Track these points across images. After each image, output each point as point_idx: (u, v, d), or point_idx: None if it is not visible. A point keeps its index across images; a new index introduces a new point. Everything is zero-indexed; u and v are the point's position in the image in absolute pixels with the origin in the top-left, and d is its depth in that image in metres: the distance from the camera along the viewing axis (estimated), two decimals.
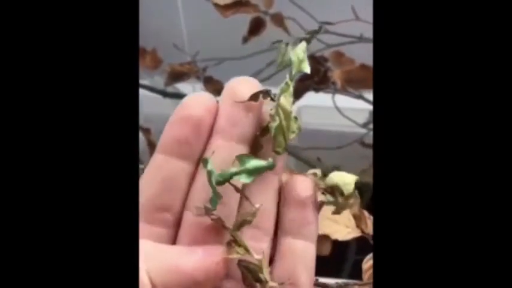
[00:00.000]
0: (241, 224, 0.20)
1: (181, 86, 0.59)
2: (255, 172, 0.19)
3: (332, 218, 0.31)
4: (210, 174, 0.19)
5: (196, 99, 0.20)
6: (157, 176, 0.20)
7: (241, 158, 0.19)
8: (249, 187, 0.20)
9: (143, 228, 0.19)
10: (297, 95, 0.48)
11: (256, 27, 0.47)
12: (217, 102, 0.20)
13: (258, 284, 0.20)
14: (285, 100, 0.19)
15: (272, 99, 0.20)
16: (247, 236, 0.20)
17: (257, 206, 0.19)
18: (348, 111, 0.47)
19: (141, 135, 0.55)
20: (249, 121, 0.20)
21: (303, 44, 0.20)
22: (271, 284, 0.20)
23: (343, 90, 0.46)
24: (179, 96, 0.57)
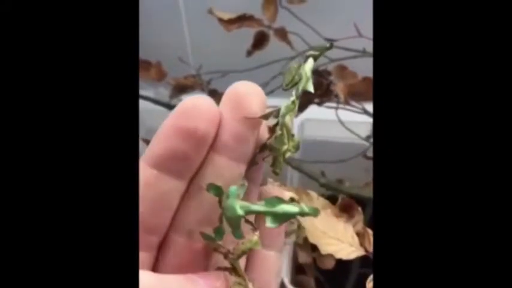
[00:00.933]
0: (242, 252, 0.18)
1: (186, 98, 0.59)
2: (283, 217, 0.17)
3: (335, 237, 0.31)
4: (233, 209, 0.17)
5: (198, 108, 0.17)
6: (146, 195, 0.17)
7: (269, 201, 0.17)
8: None
9: None
10: (300, 108, 0.48)
11: (259, 41, 0.48)
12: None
13: None
14: (289, 119, 0.18)
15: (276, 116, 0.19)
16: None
17: (257, 233, 0.18)
18: (351, 125, 0.47)
19: (144, 147, 0.55)
20: (253, 139, 0.18)
21: (311, 62, 0.19)
22: None
23: (346, 104, 0.46)
24: None
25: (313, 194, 0.31)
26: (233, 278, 0.18)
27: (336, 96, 0.45)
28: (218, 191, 0.17)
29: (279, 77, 0.47)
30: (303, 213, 0.17)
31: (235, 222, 0.17)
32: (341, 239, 0.33)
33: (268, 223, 0.17)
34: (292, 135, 0.19)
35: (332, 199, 0.34)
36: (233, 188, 0.17)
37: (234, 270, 0.18)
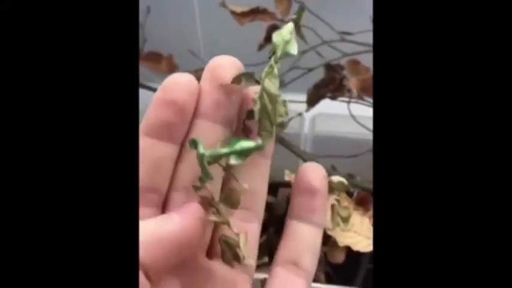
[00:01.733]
0: (226, 200, 0.20)
1: None
2: (245, 153, 0.19)
3: (352, 230, 0.31)
4: (200, 155, 0.19)
5: (177, 82, 0.19)
6: (144, 158, 0.20)
7: (230, 140, 0.19)
8: (240, 171, 0.20)
9: None
10: (312, 102, 0.48)
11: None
12: (198, 83, 0.20)
13: (235, 261, 0.20)
14: (270, 83, 0.19)
15: (257, 82, 0.20)
16: (238, 217, 0.21)
17: (245, 185, 0.20)
18: (364, 119, 0.47)
19: None
20: (232, 104, 0.20)
21: (290, 25, 0.20)
22: (248, 260, 0.20)
23: (359, 98, 0.45)
24: None
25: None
26: (213, 217, 0.20)
27: (349, 90, 0.45)
28: (194, 144, 0.19)
29: (291, 71, 0.47)
30: (258, 147, 0.19)
31: (201, 164, 0.19)
32: (358, 231, 0.33)
33: (233, 161, 0.19)
34: (284, 102, 0.20)
35: (348, 193, 0.34)
36: (199, 140, 0.19)
37: (217, 212, 0.20)
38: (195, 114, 0.20)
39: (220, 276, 0.21)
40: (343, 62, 0.46)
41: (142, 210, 0.20)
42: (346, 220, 0.24)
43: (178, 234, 0.19)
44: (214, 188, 0.20)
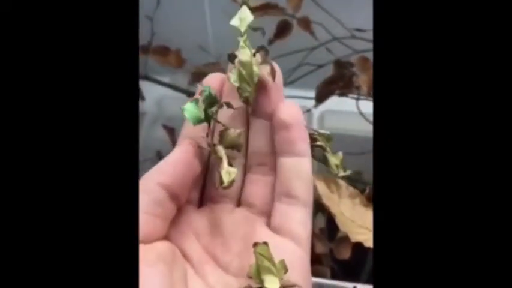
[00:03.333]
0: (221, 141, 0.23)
1: None
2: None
3: (364, 226, 0.31)
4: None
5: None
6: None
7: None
8: (251, 135, 0.24)
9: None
10: (321, 99, 0.48)
11: (282, 30, 0.48)
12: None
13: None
14: (242, 54, 0.23)
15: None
16: (256, 172, 0.24)
17: (238, 130, 0.23)
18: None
19: (165, 135, 0.56)
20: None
21: (244, 8, 0.23)
22: (224, 185, 0.22)
23: (368, 96, 0.45)
24: None
25: (342, 183, 0.32)
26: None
27: (358, 88, 0.45)
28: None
29: (301, 68, 0.47)
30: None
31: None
32: (370, 227, 0.33)
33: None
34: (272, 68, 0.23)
35: (360, 189, 0.34)
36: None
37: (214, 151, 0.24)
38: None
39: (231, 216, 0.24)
40: (353, 59, 0.46)
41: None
42: (340, 166, 0.27)
43: (180, 155, 0.23)
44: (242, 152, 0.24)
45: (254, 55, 0.23)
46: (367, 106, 0.47)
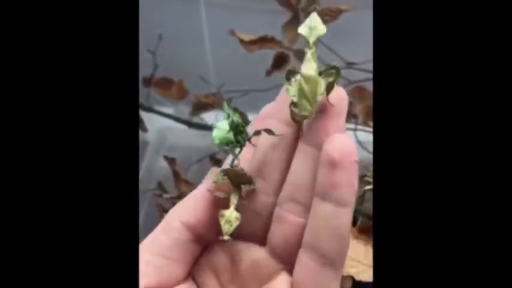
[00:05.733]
0: (230, 177, 0.21)
1: (207, 116, 0.61)
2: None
3: (356, 259, 0.31)
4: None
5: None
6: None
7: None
8: (293, 163, 0.21)
9: None
10: None
11: (279, 62, 0.49)
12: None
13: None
14: (306, 67, 0.20)
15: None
16: (287, 209, 0.20)
17: (240, 167, 0.21)
18: (370, 145, 0.47)
19: (166, 165, 0.56)
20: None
21: (314, 15, 0.21)
22: (225, 237, 0.20)
23: (365, 125, 0.46)
24: (204, 127, 0.58)
25: None
26: (218, 193, 0.21)
27: (355, 116, 0.46)
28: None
29: None
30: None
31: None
32: (361, 261, 0.32)
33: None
34: (330, 83, 0.20)
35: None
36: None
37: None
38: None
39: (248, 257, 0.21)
40: (349, 89, 0.47)
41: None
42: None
43: (202, 192, 0.21)
44: (277, 178, 0.21)
45: (320, 74, 0.20)
46: (365, 135, 0.47)
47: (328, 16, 0.41)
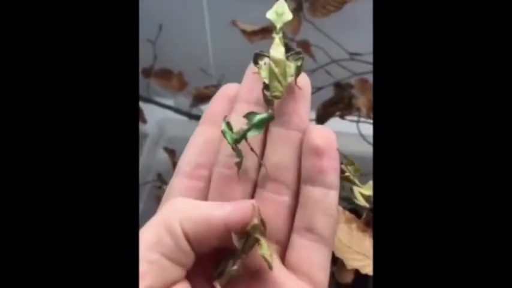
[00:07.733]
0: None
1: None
2: (260, 124, 0.21)
3: (361, 252, 0.31)
4: (226, 134, 0.21)
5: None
6: (199, 141, 0.23)
7: (248, 116, 0.21)
8: (268, 145, 0.22)
9: (184, 182, 0.22)
10: (321, 121, 0.48)
11: None
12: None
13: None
14: (274, 51, 0.22)
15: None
16: (268, 189, 0.22)
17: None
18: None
19: (166, 157, 0.56)
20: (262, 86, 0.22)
21: (281, 1, 0.22)
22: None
23: (368, 117, 0.46)
24: None
25: (339, 208, 0.32)
26: (255, 220, 0.20)
27: (358, 109, 0.45)
28: (229, 126, 0.21)
29: None
30: (270, 117, 0.21)
31: (231, 144, 0.21)
32: (367, 254, 0.32)
33: (252, 133, 0.21)
34: (298, 66, 0.22)
35: (357, 214, 0.33)
36: (225, 121, 0.21)
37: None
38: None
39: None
40: (352, 81, 0.46)
41: (194, 183, 0.22)
42: (367, 198, 0.25)
43: (228, 222, 0.20)
44: (252, 164, 0.22)
45: (287, 58, 0.22)
46: (368, 128, 0.47)
47: (332, 6, 0.40)
